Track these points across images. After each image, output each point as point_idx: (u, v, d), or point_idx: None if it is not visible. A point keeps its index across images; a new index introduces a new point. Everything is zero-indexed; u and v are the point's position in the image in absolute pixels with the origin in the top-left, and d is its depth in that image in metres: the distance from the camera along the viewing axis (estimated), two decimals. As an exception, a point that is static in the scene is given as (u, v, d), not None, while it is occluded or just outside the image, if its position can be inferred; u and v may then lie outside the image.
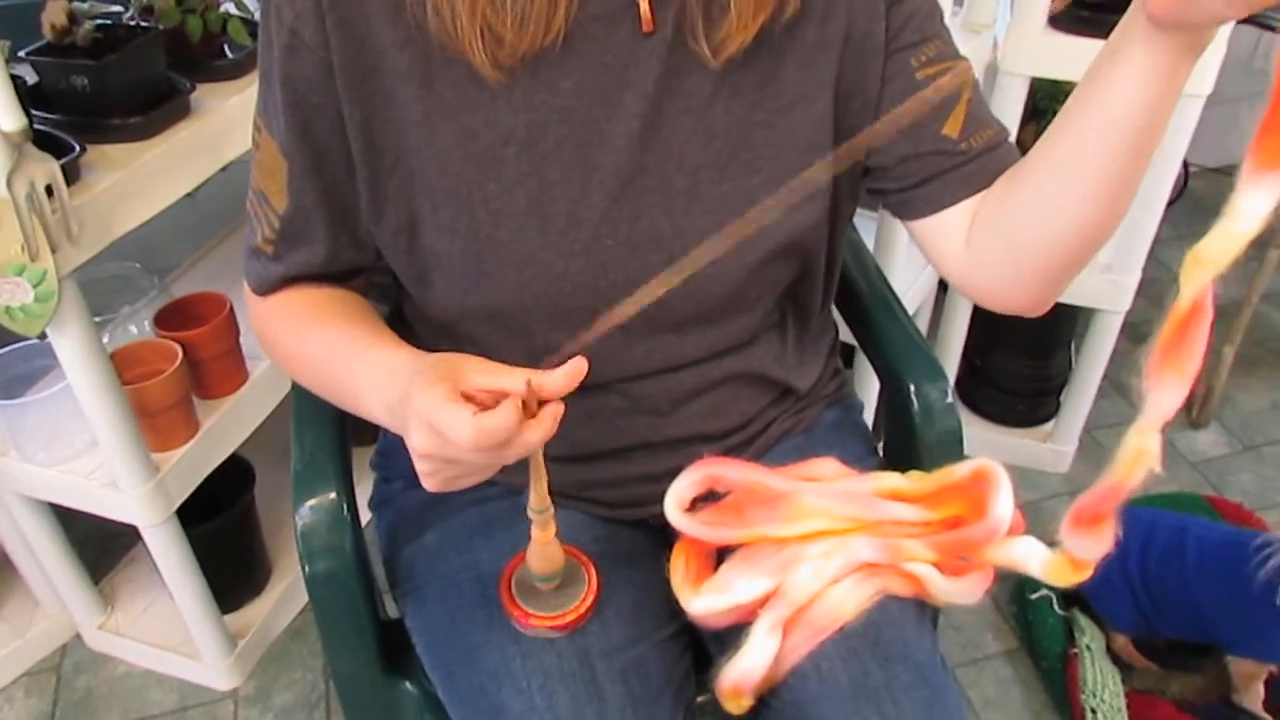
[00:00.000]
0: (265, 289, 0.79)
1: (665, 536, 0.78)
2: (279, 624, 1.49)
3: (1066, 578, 0.66)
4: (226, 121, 1.16)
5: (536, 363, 0.78)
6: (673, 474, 0.72)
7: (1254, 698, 1.31)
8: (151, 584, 1.48)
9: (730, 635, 0.72)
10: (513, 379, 0.60)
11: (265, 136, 0.73)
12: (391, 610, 0.91)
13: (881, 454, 0.98)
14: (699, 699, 0.82)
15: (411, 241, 0.75)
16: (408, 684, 0.88)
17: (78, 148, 1.02)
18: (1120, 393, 1.89)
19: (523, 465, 0.83)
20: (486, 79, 0.69)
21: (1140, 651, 1.39)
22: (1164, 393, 0.54)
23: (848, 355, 1.40)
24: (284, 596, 1.49)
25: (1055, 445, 1.70)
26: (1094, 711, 1.30)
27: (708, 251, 0.63)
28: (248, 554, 1.46)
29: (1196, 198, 2.39)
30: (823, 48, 0.72)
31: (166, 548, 1.23)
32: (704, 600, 0.75)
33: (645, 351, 0.78)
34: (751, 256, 0.75)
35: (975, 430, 1.75)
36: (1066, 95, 0.70)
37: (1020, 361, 1.67)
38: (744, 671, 0.72)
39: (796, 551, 0.75)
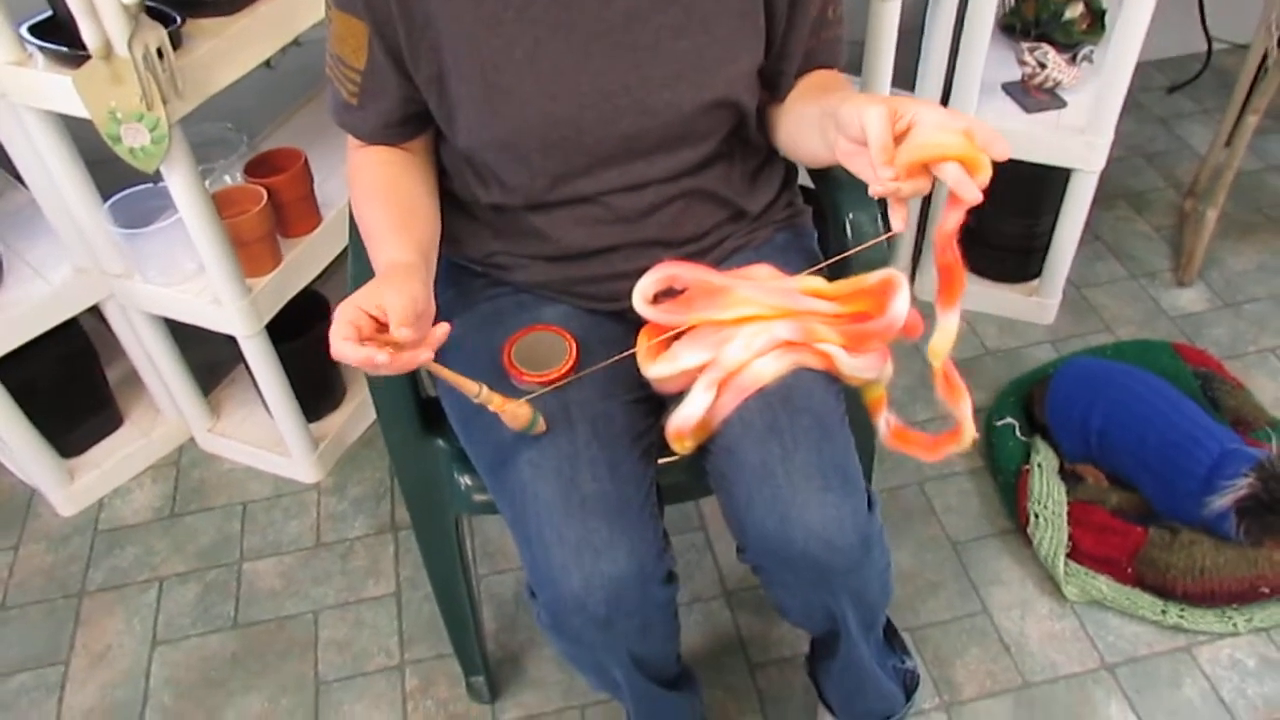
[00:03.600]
0: (366, 135, 1.02)
1: (634, 325, 1.00)
2: (353, 433, 1.78)
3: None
4: (298, -2, 1.38)
5: (533, 182, 1.00)
6: (640, 273, 0.94)
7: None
8: (249, 398, 1.77)
9: (682, 401, 0.94)
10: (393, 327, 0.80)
11: (335, 12, 0.95)
12: (428, 391, 1.16)
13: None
14: (661, 460, 1.05)
15: (441, 87, 0.97)
16: (440, 442, 1.13)
17: (179, 19, 1.25)
18: (1115, 255, 2.03)
19: (523, 266, 1.07)
20: None
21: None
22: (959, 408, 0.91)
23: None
24: (356, 412, 1.77)
25: (1040, 299, 1.86)
26: (1037, 516, 1.51)
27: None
28: (327, 372, 1.74)
29: (1221, 73, 2.45)
30: None
31: (260, 357, 1.51)
32: (657, 367, 0.98)
33: (619, 173, 0.99)
34: (696, 103, 0.96)
35: (969, 285, 1.91)
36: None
37: (1010, 221, 1.82)
38: (684, 417, 0.95)
39: (731, 332, 0.97)
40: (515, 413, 0.91)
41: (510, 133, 0.96)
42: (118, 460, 1.71)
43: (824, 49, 1.02)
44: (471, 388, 0.88)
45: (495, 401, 0.90)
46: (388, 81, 0.97)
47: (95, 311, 1.57)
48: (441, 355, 1.09)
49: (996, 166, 0.80)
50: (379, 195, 1.00)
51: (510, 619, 1.50)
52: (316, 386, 1.72)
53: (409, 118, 1.01)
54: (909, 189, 0.78)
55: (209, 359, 1.78)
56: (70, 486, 1.67)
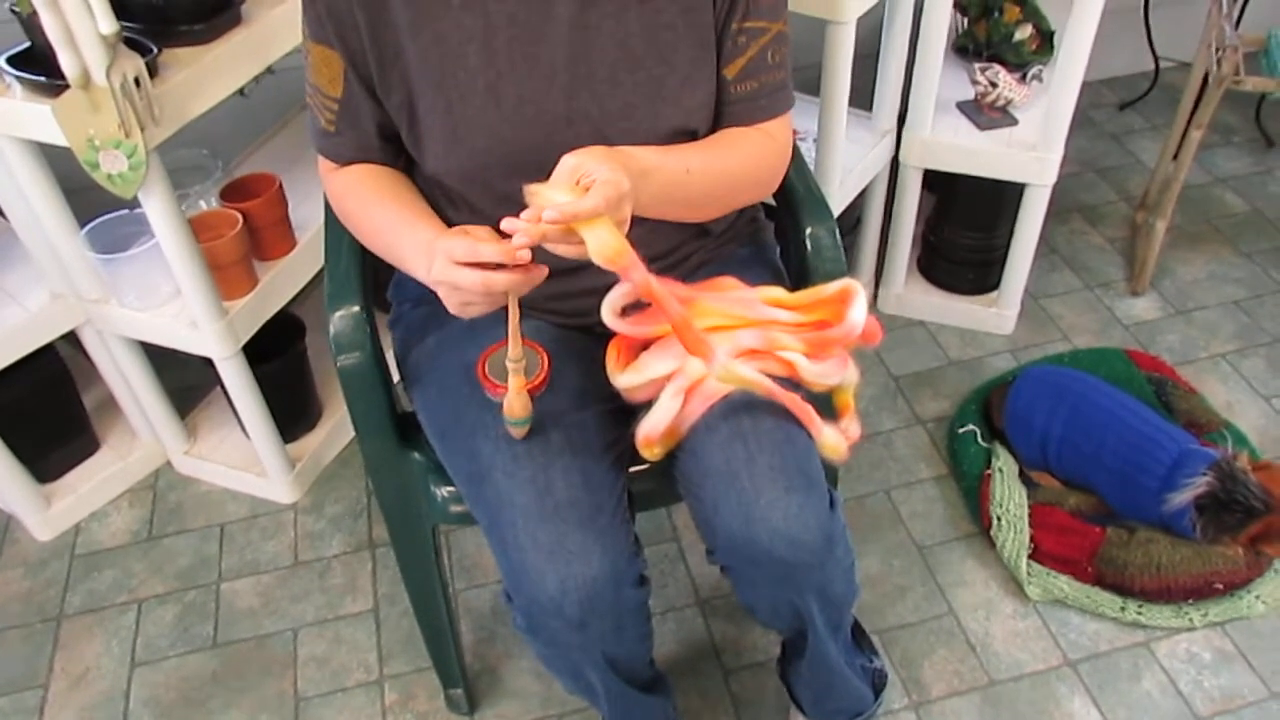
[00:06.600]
0: (341, 159, 1.06)
1: (603, 338, 1.03)
2: (330, 453, 1.80)
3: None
4: (270, 28, 1.41)
5: (498, 207, 1.04)
6: (608, 288, 0.98)
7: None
8: (225, 421, 1.79)
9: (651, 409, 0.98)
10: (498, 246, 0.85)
11: (311, 44, 0.99)
12: (405, 406, 1.18)
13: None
14: (632, 468, 1.08)
15: (411, 115, 1.01)
16: (416, 455, 1.16)
17: (155, 49, 1.28)
18: (1071, 267, 2.09)
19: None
20: None
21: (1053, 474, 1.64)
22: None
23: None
24: (333, 432, 1.80)
25: (999, 310, 1.92)
26: (999, 519, 1.56)
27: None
28: (303, 394, 1.76)
29: (1169, 90, 2.53)
30: None
31: (236, 378, 1.53)
32: (626, 377, 1.01)
33: None
34: (655, 132, 1.00)
35: (931, 298, 1.97)
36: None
37: (968, 235, 1.88)
38: (652, 424, 0.98)
39: (696, 341, 1.00)
40: (522, 402, 0.94)
41: (474, 160, 1.00)
42: (95, 484, 1.72)
43: (764, 92, 1.03)
44: (517, 350, 0.91)
45: (520, 380, 0.93)
46: (363, 109, 1.01)
47: (71, 337, 1.59)
48: (418, 370, 1.14)
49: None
50: (379, 198, 1.03)
51: (488, 632, 1.53)
52: (293, 407, 1.74)
53: (384, 144, 1.05)
54: (535, 230, 0.83)
55: (185, 382, 1.80)
56: (47, 511, 1.68)
